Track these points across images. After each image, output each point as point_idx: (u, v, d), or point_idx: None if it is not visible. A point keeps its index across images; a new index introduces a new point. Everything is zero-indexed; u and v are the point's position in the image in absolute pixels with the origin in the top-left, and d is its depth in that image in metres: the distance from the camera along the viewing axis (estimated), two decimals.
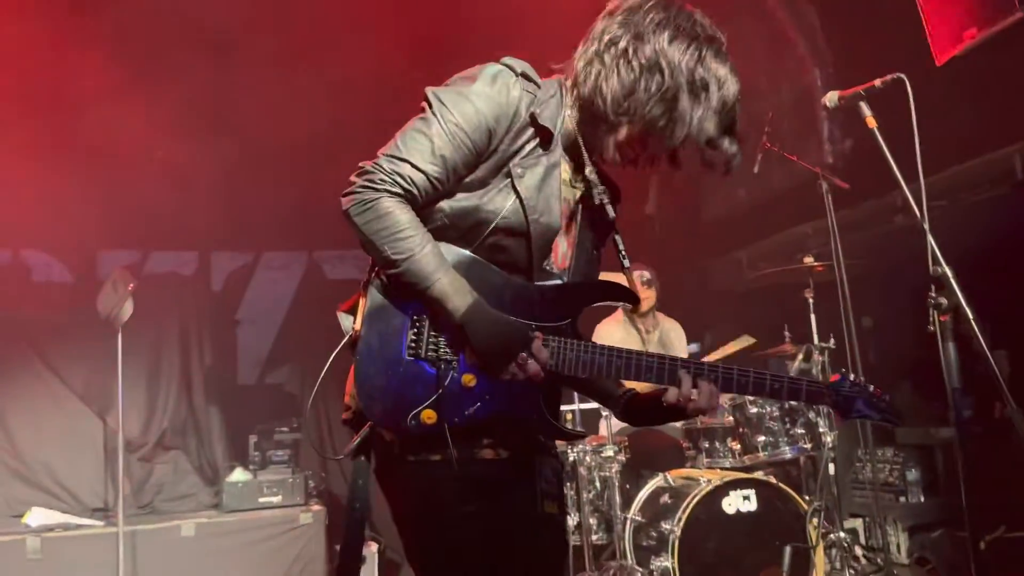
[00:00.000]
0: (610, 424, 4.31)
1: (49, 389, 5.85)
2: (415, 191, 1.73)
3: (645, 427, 4.63)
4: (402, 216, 1.70)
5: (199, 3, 5.44)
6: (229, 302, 7.25)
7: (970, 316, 2.17)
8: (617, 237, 2.03)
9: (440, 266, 1.71)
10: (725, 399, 4.30)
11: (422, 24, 5.75)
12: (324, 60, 5.78)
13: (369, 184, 1.71)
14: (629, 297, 1.90)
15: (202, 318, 6.69)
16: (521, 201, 1.78)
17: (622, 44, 1.76)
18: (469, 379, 1.74)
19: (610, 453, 4.16)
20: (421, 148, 1.73)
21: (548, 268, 1.88)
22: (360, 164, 1.77)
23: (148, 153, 6.08)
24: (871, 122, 2.48)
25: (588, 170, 1.90)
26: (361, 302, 1.78)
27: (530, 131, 1.81)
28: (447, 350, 1.74)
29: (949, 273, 2.20)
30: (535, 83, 1.84)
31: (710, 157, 1.81)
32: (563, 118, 1.86)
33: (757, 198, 6.86)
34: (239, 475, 5.58)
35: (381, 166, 1.73)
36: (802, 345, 4.34)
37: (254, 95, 5.96)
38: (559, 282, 1.90)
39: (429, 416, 1.70)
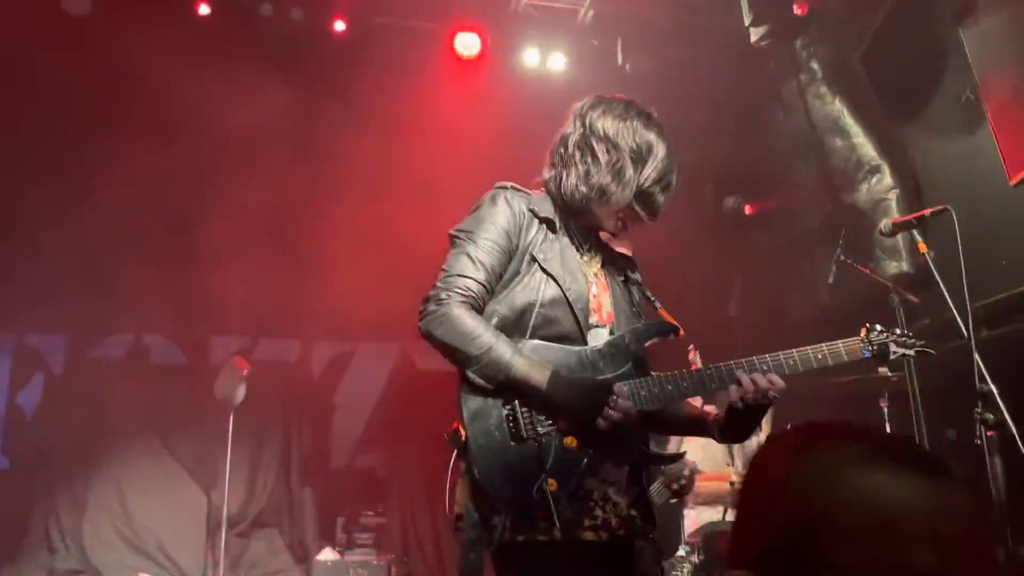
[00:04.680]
0: (684, 524, 4.42)
1: (163, 465, 6.34)
2: (472, 294, 2.10)
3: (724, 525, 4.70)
4: (471, 319, 2.06)
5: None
6: (327, 387, 7.69)
7: (1015, 432, 2.29)
8: (643, 289, 2.40)
9: (515, 351, 2.04)
10: None
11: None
12: (425, 167, 6.34)
13: (436, 302, 2.08)
14: (669, 328, 2.24)
15: (303, 403, 7.13)
16: (551, 276, 2.15)
17: (576, 138, 2.23)
18: (571, 441, 2.04)
19: (682, 553, 4.26)
20: (464, 262, 2.13)
21: (596, 324, 2.22)
22: (422, 296, 2.14)
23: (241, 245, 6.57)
24: (922, 247, 2.68)
25: (590, 247, 2.31)
26: (458, 414, 2.08)
27: (536, 223, 2.22)
28: (544, 424, 2.05)
29: (995, 390, 2.34)
30: (524, 191, 2.27)
31: (642, 206, 2.19)
32: (556, 214, 2.26)
33: (840, 303, 6.92)
34: (328, 554, 5.85)
35: (438, 287, 2.11)
36: None
37: (359, 199, 6.51)
38: (608, 338, 2.20)
39: (551, 484, 1.97)
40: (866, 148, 6.63)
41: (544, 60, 6.89)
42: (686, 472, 4.16)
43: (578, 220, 2.27)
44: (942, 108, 5.94)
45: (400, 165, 6.46)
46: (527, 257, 2.18)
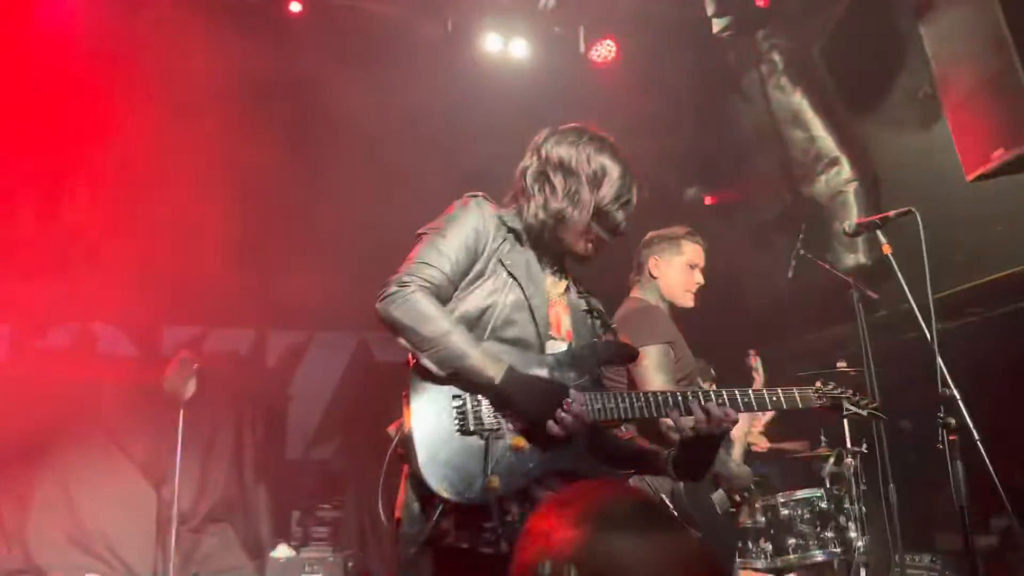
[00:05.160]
0: None
1: (110, 459, 6.15)
2: (435, 282, 2.08)
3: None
4: (432, 305, 2.03)
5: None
6: (282, 378, 7.54)
7: (976, 437, 2.29)
8: (605, 321, 2.40)
9: (472, 342, 2.01)
10: (758, 501, 4.37)
11: None
12: (384, 153, 6.21)
13: (398, 284, 2.05)
14: (630, 353, 2.27)
15: (256, 394, 6.97)
16: (516, 279, 2.16)
17: (533, 169, 2.26)
18: (519, 441, 1.99)
19: None
20: (430, 253, 2.12)
21: (554, 337, 2.21)
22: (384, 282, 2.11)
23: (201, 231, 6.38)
24: (886, 249, 2.66)
25: (555, 270, 2.33)
26: (405, 402, 2.01)
27: (505, 231, 2.23)
28: (493, 420, 1.99)
29: (957, 395, 2.33)
30: (494, 203, 2.30)
31: (602, 225, 2.22)
32: (523, 233, 2.28)
33: (799, 296, 6.95)
34: (283, 551, 5.75)
35: (402, 272, 2.09)
36: (834, 448, 4.43)
37: (316, 186, 6.38)
38: (569, 348, 2.20)
39: (493, 481, 1.89)
40: (825, 140, 6.65)
41: (506, 46, 6.79)
42: (751, 483, 4.09)
43: (546, 245, 2.29)
44: (900, 102, 5.97)
45: (358, 151, 6.33)
46: (494, 260, 2.18)
